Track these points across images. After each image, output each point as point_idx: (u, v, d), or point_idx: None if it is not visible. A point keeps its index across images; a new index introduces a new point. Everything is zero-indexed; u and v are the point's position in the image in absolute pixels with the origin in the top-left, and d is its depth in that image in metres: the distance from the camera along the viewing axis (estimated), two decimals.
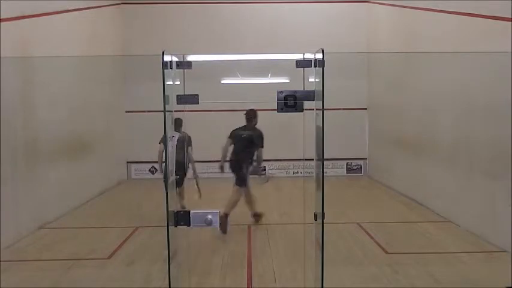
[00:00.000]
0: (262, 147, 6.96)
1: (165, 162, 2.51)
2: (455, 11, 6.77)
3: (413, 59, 8.56)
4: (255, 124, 7.00)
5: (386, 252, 5.57)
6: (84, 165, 8.78)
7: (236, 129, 6.99)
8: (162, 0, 11.72)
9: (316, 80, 2.60)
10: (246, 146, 6.89)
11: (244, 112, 6.99)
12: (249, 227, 6.80)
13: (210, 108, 9.84)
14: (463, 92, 6.61)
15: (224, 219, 6.32)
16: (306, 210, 4.19)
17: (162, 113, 2.41)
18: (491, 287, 4.38)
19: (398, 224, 6.95)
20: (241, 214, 7.71)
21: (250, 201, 7.00)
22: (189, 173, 7.16)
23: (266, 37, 11.33)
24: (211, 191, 9.10)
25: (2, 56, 5.68)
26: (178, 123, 6.65)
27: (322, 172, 2.63)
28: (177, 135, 6.37)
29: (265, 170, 7.46)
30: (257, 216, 7.05)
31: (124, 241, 6.12)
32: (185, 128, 6.76)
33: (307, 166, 10.73)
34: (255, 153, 6.94)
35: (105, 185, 10.11)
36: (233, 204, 6.74)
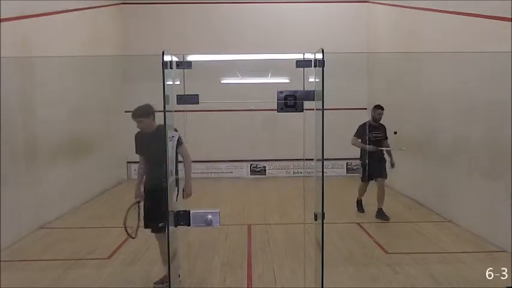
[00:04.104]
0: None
1: (166, 162, 2.50)
2: (455, 11, 6.77)
3: (413, 58, 8.56)
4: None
5: (386, 252, 5.57)
6: (84, 165, 8.78)
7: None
8: (162, 0, 11.72)
9: (316, 80, 2.60)
10: None
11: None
12: (249, 227, 6.80)
13: (210, 108, 9.84)
14: (463, 92, 6.61)
15: None
16: (306, 210, 4.19)
17: (162, 113, 2.41)
18: (491, 287, 4.38)
19: (399, 224, 6.94)
20: (241, 214, 7.72)
21: None
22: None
23: (266, 37, 11.33)
24: (214, 191, 9.07)
25: (2, 56, 5.68)
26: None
27: (322, 172, 2.63)
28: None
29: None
30: None
31: (124, 241, 6.12)
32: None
33: (307, 166, 10.74)
34: None
35: (105, 185, 10.11)
36: None
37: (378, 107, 7.40)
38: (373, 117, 7.38)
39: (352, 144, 7.42)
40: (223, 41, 11.33)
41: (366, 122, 7.41)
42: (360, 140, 7.37)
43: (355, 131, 7.39)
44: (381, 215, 7.17)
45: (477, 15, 6.16)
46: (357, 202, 7.76)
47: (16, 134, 6.35)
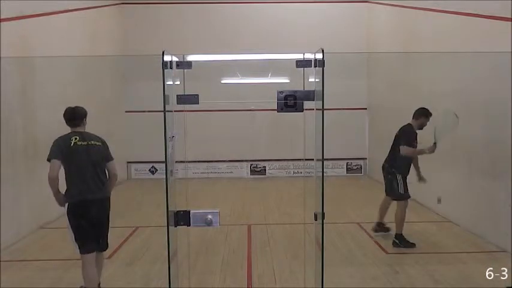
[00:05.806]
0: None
1: (165, 162, 2.50)
2: (455, 11, 6.77)
3: (413, 59, 8.56)
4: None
5: (387, 252, 5.57)
6: None
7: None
8: (162, 0, 11.73)
9: (316, 80, 2.60)
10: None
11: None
12: (249, 227, 6.80)
13: (210, 108, 9.85)
14: (462, 92, 6.61)
15: None
16: (306, 210, 4.19)
17: (162, 113, 2.41)
18: (491, 287, 4.38)
19: None
20: (241, 214, 7.72)
21: None
22: None
23: (266, 37, 11.35)
24: (214, 191, 9.04)
25: (2, 56, 5.68)
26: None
27: (322, 172, 2.63)
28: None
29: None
30: None
31: (124, 241, 6.12)
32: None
33: (307, 166, 10.74)
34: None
35: None
36: None
37: (430, 114, 5.94)
38: (421, 124, 5.95)
39: (413, 155, 6.13)
40: (223, 41, 11.34)
41: (410, 127, 5.98)
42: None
43: (403, 138, 5.90)
44: (403, 242, 5.71)
45: (477, 15, 6.16)
46: (378, 225, 6.29)
47: (16, 134, 6.34)
